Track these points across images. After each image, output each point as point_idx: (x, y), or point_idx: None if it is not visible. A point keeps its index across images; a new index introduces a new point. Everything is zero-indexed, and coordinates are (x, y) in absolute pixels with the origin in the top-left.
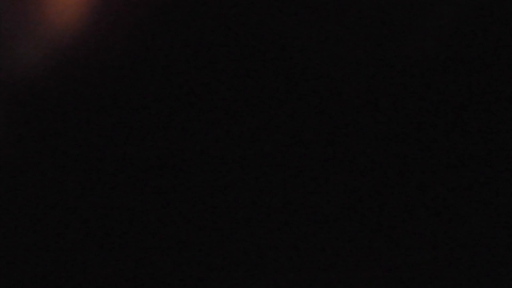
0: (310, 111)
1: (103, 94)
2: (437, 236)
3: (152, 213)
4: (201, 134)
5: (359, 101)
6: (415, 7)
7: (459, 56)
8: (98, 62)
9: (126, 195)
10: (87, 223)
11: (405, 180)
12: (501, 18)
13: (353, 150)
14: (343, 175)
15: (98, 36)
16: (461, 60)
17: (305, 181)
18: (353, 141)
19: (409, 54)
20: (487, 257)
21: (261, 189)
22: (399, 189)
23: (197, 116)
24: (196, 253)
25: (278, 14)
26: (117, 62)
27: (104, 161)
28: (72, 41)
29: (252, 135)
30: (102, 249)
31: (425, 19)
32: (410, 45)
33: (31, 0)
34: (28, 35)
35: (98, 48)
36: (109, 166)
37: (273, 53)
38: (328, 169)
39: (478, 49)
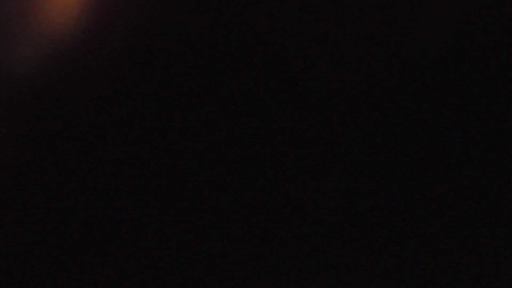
0: (309, 111)
1: (103, 94)
2: (437, 236)
3: (152, 213)
4: (201, 134)
5: (359, 101)
6: (415, 7)
7: (459, 56)
8: (97, 62)
9: (126, 195)
10: (87, 223)
11: (405, 180)
12: (501, 18)
13: (353, 150)
14: (343, 175)
15: (97, 36)
16: (461, 60)
17: (305, 181)
18: (353, 141)
19: (409, 54)
20: (487, 257)
21: (261, 189)
22: (399, 189)
23: (197, 116)
24: (196, 253)
25: (278, 14)
26: (117, 62)
27: (104, 161)
28: (72, 41)
29: (252, 135)
30: (102, 249)
31: (425, 19)
32: (410, 45)
33: (31, 0)
34: (28, 35)
35: (98, 48)
36: (109, 166)
37: (272, 53)
38: (328, 169)
39: (478, 49)
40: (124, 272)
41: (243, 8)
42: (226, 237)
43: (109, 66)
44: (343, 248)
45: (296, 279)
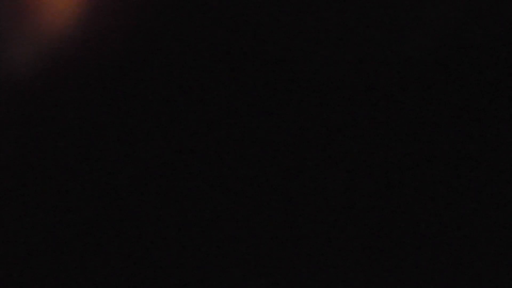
0: (309, 111)
1: (102, 94)
2: (437, 236)
3: (152, 213)
4: (201, 134)
5: (358, 101)
6: (414, 6)
7: (458, 56)
8: (97, 62)
9: (126, 195)
10: (87, 223)
11: (405, 180)
12: (501, 18)
13: (353, 150)
14: (342, 175)
15: (97, 36)
16: (460, 60)
17: (305, 181)
18: (353, 141)
19: (408, 54)
20: (487, 257)
21: (261, 189)
22: (399, 189)
23: (197, 116)
24: (196, 253)
25: (278, 14)
26: (116, 62)
27: (104, 161)
28: (72, 40)
29: (252, 135)
30: (102, 249)
31: (424, 18)
32: (409, 44)
33: (31, 0)
34: (28, 35)
35: (97, 48)
36: (109, 166)
37: (272, 53)
38: (328, 169)
39: (477, 49)
40: (124, 272)
41: (243, 8)
42: (226, 237)
43: (109, 66)
44: (343, 248)
45: (296, 279)
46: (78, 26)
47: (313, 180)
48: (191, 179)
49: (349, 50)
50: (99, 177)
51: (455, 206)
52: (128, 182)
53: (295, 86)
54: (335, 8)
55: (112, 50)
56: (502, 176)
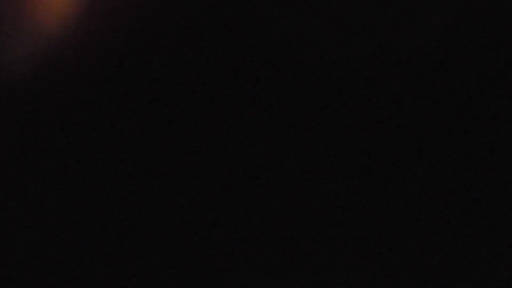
0: (308, 111)
1: (101, 94)
2: (437, 236)
3: (152, 214)
4: (201, 134)
5: (357, 101)
6: (413, 6)
7: (457, 55)
8: (96, 62)
9: (126, 196)
10: (87, 223)
11: (404, 180)
12: (500, 17)
13: (352, 150)
14: (342, 175)
15: (96, 35)
16: (459, 59)
17: (304, 181)
18: (352, 140)
19: (407, 53)
20: (487, 257)
21: (260, 189)
22: (398, 189)
23: (196, 116)
24: (196, 253)
25: (277, 13)
26: (117, 62)
27: (104, 161)
28: (71, 40)
29: (251, 135)
30: (102, 249)
31: (423, 18)
32: (408, 43)
33: (30, 0)
34: (28, 35)
35: (97, 47)
36: (108, 166)
37: (270, 52)
38: (327, 169)
39: (476, 48)
40: (124, 272)
41: (243, 8)
42: (225, 238)
43: (109, 66)
44: (343, 248)
45: (296, 279)
46: (78, 26)
47: (313, 180)
48: (191, 179)
49: (348, 50)
50: (99, 177)
51: (455, 206)
52: (128, 182)
53: (294, 86)
54: (335, 7)
55: (112, 50)
56: (502, 176)
